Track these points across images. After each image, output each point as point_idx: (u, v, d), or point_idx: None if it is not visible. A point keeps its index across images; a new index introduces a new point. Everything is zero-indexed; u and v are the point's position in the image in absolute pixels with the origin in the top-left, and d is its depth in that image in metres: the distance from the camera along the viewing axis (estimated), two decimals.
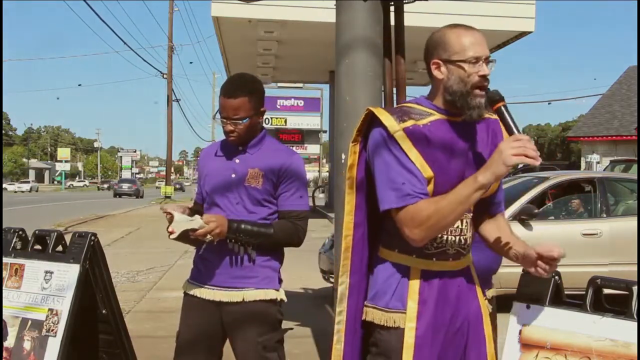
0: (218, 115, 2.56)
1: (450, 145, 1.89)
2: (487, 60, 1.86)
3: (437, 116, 1.90)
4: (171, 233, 2.39)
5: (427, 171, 1.85)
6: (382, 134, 1.88)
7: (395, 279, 1.93)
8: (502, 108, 1.81)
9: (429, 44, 1.93)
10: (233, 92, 2.50)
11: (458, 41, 1.86)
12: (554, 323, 1.81)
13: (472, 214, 1.98)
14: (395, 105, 3.72)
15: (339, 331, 2.01)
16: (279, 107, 24.29)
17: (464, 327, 1.97)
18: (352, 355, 2.01)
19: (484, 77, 1.84)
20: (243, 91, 2.49)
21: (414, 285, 1.91)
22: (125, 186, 42.32)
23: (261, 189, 2.52)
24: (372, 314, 1.95)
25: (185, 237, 2.44)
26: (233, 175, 2.55)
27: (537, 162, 1.69)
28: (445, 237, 1.92)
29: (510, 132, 1.80)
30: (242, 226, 2.46)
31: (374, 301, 1.96)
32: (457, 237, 1.94)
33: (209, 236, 2.43)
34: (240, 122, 2.49)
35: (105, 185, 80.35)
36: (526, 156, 1.69)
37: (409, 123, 1.88)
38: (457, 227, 1.94)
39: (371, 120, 1.94)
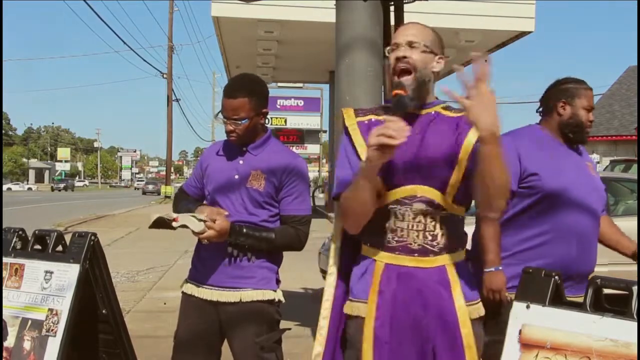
0: (220, 115, 2.56)
1: None
2: (409, 44, 1.93)
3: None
4: (175, 220, 2.39)
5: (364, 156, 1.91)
6: (344, 129, 2.04)
7: (364, 271, 2.01)
8: (396, 95, 1.88)
9: None
10: (234, 92, 2.50)
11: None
12: (554, 323, 1.81)
13: (445, 212, 1.94)
14: None
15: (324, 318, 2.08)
16: (279, 107, 24.27)
17: (432, 331, 1.92)
18: (334, 342, 2.05)
19: (397, 59, 1.91)
20: (243, 92, 2.49)
21: (377, 277, 1.96)
22: (150, 187, 56.60)
23: (262, 191, 2.52)
24: (345, 306, 2.03)
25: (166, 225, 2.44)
26: (236, 176, 2.55)
27: (395, 140, 1.71)
28: (405, 231, 1.93)
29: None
30: (244, 231, 2.46)
31: (349, 294, 2.04)
32: (421, 233, 1.93)
33: (204, 241, 2.44)
34: (240, 122, 2.49)
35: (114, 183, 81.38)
36: (384, 136, 1.72)
37: (367, 117, 2.00)
38: (420, 221, 1.93)
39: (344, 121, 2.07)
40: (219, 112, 2.57)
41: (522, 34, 7.45)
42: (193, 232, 2.40)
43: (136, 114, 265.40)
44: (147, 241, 12.56)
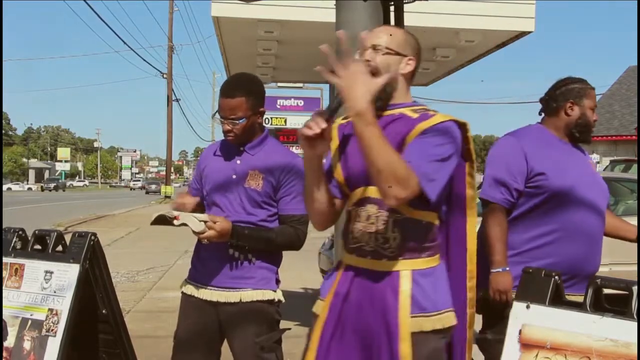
0: (217, 115, 2.56)
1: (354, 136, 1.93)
2: (373, 47, 1.94)
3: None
4: (176, 218, 2.39)
5: (334, 161, 1.99)
6: None
7: (333, 270, 2.05)
8: (337, 96, 1.83)
9: None
10: (231, 91, 2.50)
11: None
12: (554, 323, 1.81)
13: (401, 215, 1.88)
14: None
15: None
16: (278, 107, 24.21)
17: (376, 340, 1.87)
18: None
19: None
20: (240, 91, 2.50)
21: (338, 277, 1.99)
22: (153, 186, 58.87)
23: (260, 191, 2.52)
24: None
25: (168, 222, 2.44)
26: (234, 176, 2.55)
27: (308, 131, 1.75)
28: (360, 233, 1.93)
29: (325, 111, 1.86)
30: (246, 232, 2.46)
31: None
32: (373, 235, 1.90)
33: (205, 240, 2.44)
34: (237, 122, 2.49)
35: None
36: (305, 127, 1.77)
37: (347, 120, 1.99)
38: (372, 224, 1.91)
39: None
40: (216, 112, 2.57)
41: (522, 34, 7.43)
42: (193, 231, 2.40)
43: (136, 114, 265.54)
44: (147, 241, 12.57)
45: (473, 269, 2.02)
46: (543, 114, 2.83)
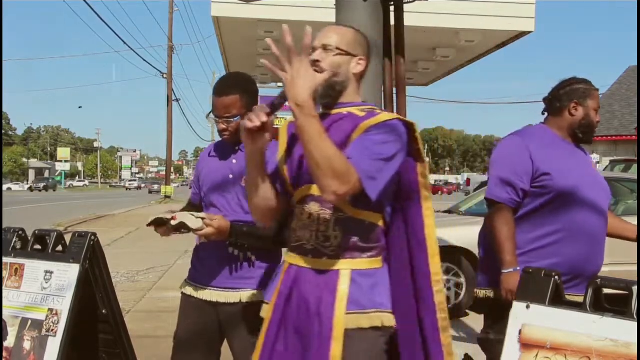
0: (212, 115, 2.57)
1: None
2: (323, 47, 1.93)
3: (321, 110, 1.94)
4: (173, 219, 2.37)
5: (280, 159, 2.00)
6: None
7: (277, 271, 2.05)
8: (284, 92, 1.79)
9: None
10: (224, 90, 2.52)
11: None
12: (554, 323, 1.81)
13: (342, 214, 1.87)
14: (394, 105, 3.74)
15: None
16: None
17: (311, 341, 1.85)
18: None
19: (312, 63, 1.85)
20: (234, 89, 2.51)
21: (281, 277, 1.98)
22: (155, 186, 59.59)
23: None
24: None
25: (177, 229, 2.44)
26: (230, 176, 2.55)
27: (248, 124, 1.77)
28: (301, 231, 1.92)
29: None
30: (245, 230, 2.46)
31: None
32: (314, 234, 1.89)
33: (203, 238, 2.44)
34: (232, 120, 2.51)
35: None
36: (248, 119, 1.78)
37: None
38: (313, 222, 1.90)
39: None
40: (210, 112, 2.58)
41: (522, 34, 7.44)
42: (191, 229, 2.39)
43: (136, 114, 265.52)
44: (147, 241, 12.56)
45: (438, 272, 1.98)
46: (546, 114, 2.84)
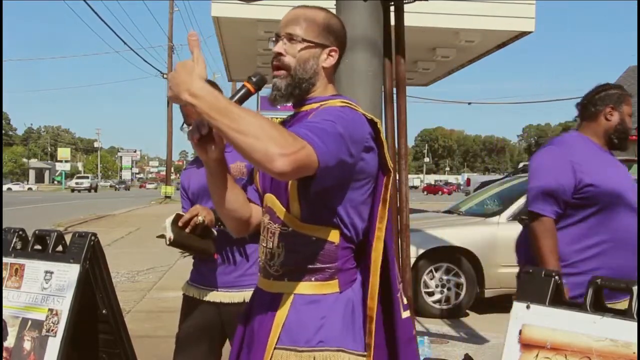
0: (184, 126, 2.59)
1: None
2: (288, 37, 1.66)
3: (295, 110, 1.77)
4: (169, 239, 2.44)
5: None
6: None
7: None
8: (243, 87, 1.59)
9: None
10: None
11: None
12: (554, 323, 1.81)
13: (288, 228, 1.63)
14: (394, 105, 3.74)
15: None
16: (278, 106, 24.26)
17: None
18: None
19: (274, 55, 1.67)
20: None
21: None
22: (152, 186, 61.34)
23: (247, 178, 2.55)
24: None
25: (183, 241, 2.46)
26: None
27: (193, 137, 1.54)
28: (259, 246, 1.74)
29: None
30: None
31: None
32: (263, 249, 1.70)
33: (200, 218, 2.44)
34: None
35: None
36: (191, 132, 1.55)
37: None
38: (264, 236, 1.70)
39: None
40: (182, 124, 2.60)
41: (522, 34, 7.43)
42: (179, 217, 2.48)
43: (136, 114, 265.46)
44: (147, 241, 12.55)
45: (373, 306, 1.63)
46: (579, 120, 2.82)
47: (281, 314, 1.61)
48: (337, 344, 1.58)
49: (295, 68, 1.66)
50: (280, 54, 1.66)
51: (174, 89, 1.42)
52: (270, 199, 1.68)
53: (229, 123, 1.36)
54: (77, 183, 64.59)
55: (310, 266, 1.62)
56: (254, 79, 1.60)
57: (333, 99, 1.70)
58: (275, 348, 1.59)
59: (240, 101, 1.56)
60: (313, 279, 1.62)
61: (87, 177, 69.23)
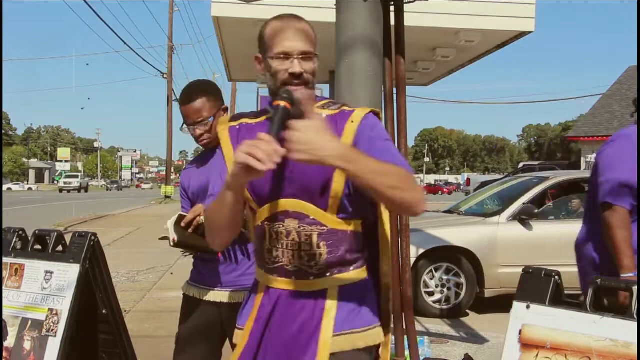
0: (185, 127, 2.62)
1: None
2: (305, 57, 1.71)
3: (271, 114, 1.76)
4: (173, 240, 2.45)
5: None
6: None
7: (250, 294, 1.87)
8: (277, 106, 1.64)
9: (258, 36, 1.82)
10: (190, 97, 2.58)
11: (270, 36, 1.75)
12: (554, 323, 1.81)
13: (325, 228, 1.71)
14: (394, 105, 3.74)
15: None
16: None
17: None
18: None
19: (294, 75, 1.70)
20: (199, 94, 2.57)
21: (257, 301, 1.81)
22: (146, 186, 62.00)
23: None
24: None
25: (186, 241, 2.47)
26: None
27: (263, 166, 1.48)
28: (280, 251, 1.74)
29: (268, 132, 1.59)
30: None
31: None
32: (295, 252, 1.72)
33: (202, 218, 2.45)
34: (207, 121, 2.56)
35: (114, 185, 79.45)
36: (254, 157, 1.49)
37: (239, 122, 1.83)
38: (293, 240, 1.72)
39: None
40: (182, 125, 2.62)
41: (522, 34, 7.43)
42: (181, 218, 2.48)
43: (136, 114, 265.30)
44: (147, 241, 12.55)
45: (389, 272, 1.87)
46: (638, 115, 2.82)
47: (331, 306, 1.73)
48: (376, 321, 1.79)
49: (312, 81, 1.74)
50: (301, 74, 1.71)
51: (313, 154, 1.48)
52: (296, 203, 1.72)
53: (384, 181, 1.53)
54: (65, 183, 60.72)
55: (349, 258, 1.76)
56: (285, 96, 1.66)
57: (320, 101, 1.82)
58: (333, 336, 1.71)
59: (284, 120, 1.59)
60: (351, 268, 1.77)
61: (77, 177, 65.12)
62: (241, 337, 1.81)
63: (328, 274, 1.74)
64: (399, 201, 1.56)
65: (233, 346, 2.59)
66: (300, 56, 1.71)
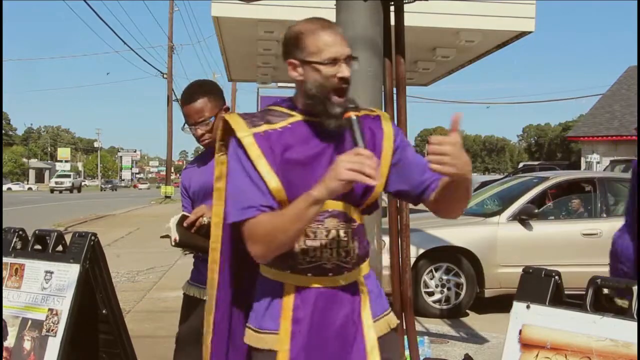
0: (186, 126, 2.62)
1: (310, 148, 1.74)
2: (348, 60, 1.73)
3: (297, 117, 1.77)
4: (174, 240, 2.45)
5: (272, 182, 1.69)
6: (233, 141, 1.76)
7: (269, 297, 1.80)
8: (352, 118, 1.66)
9: (285, 40, 1.79)
10: (192, 97, 2.58)
11: (314, 41, 1.72)
12: (554, 323, 1.81)
13: (357, 223, 1.80)
14: (394, 105, 3.74)
15: (206, 347, 1.95)
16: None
17: (353, 356, 1.77)
18: None
19: (343, 80, 1.71)
20: (200, 94, 2.58)
21: (288, 303, 1.76)
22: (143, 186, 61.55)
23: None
24: (248, 336, 1.82)
25: (188, 241, 2.48)
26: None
27: (374, 182, 1.53)
28: (318, 250, 1.75)
29: (355, 144, 1.63)
30: None
31: (249, 321, 1.83)
32: (334, 250, 1.76)
33: (205, 219, 2.45)
34: (209, 121, 2.56)
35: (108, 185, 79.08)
36: (362, 173, 1.52)
37: (261, 128, 1.74)
38: (333, 238, 1.76)
39: (230, 129, 1.79)
40: (184, 124, 2.62)
41: (522, 34, 7.43)
42: (184, 218, 2.49)
43: (136, 114, 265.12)
44: (147, 241, 12.55)
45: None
46: None
47: (365, 298, 1.83)
48: (387, 305, 1.94)
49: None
50: (349, 78, 1.73)
51: (462, 168, 1.67)
52: (339, 204, 1.78)
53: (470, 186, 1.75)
54: (57, 182, 57.84)
55: (368, 248, 1.88)
56: (352, 106, 1.71)
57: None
58: (374, 322, 1.83)
59: (361, 131, 1.66)
60: (367, 259, 1.89)
61: (69, 176, 61.29)
62: (279, 341, 1.75)
63: (356, 268, 1.83)
64: (459, 209, 1.86)
65: None
66: (346, 61, 1.74)
